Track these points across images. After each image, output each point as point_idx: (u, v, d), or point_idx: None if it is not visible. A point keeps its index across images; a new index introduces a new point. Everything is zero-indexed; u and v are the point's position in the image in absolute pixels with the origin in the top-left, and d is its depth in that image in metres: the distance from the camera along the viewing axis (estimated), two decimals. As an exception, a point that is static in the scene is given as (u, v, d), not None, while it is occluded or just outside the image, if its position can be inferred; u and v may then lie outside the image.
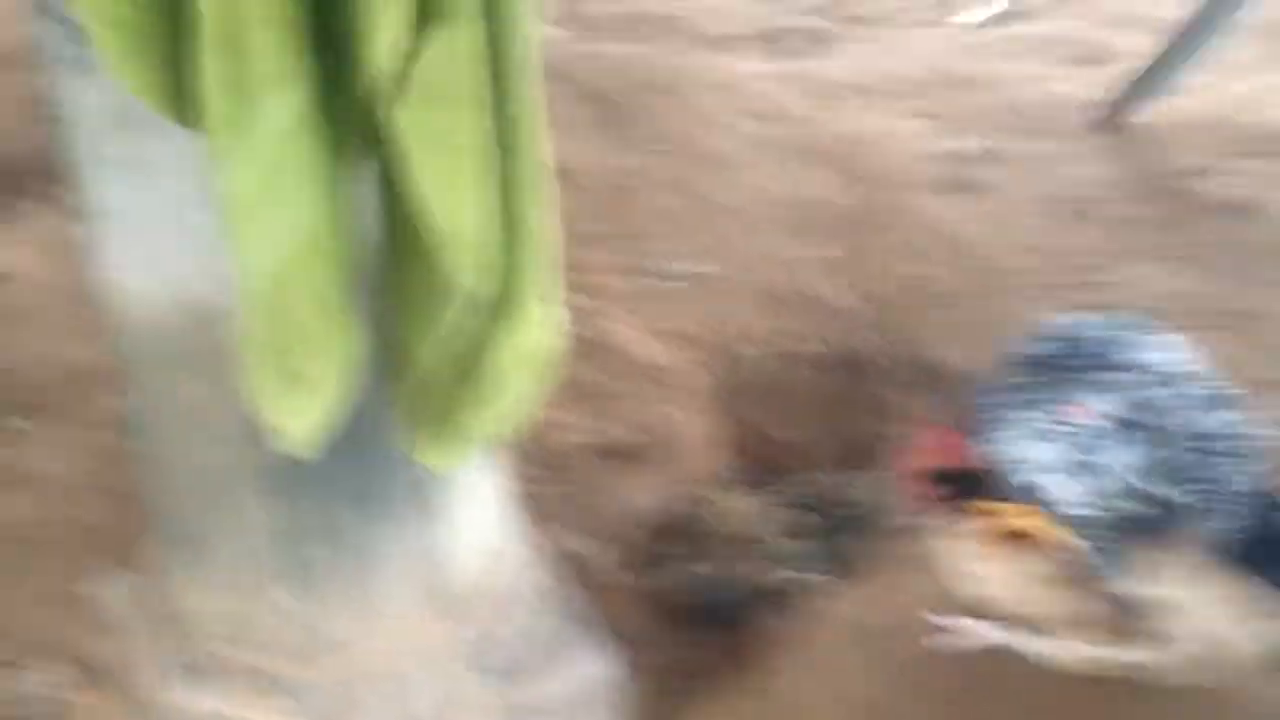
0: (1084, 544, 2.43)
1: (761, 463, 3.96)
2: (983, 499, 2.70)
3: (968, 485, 2.81)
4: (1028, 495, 2.44)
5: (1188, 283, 4.57)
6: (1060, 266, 4.67)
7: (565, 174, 2.11)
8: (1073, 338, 2.46)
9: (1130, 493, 2.30)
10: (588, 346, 4.15)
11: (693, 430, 3.85)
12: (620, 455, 3.73)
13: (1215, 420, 2.26)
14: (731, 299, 4.46)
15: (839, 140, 5.52)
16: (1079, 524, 2.40)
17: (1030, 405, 2.43)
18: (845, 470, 3.91)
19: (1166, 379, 2.30)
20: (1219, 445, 2.25)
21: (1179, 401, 2.27)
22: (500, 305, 1.60)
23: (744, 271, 4.61)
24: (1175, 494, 2.27)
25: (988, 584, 2.73)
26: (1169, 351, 2.37)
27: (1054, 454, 2.38)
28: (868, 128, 5.63)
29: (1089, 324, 2.51)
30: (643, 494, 3.66)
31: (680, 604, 3.37)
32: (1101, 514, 2.37)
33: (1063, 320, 2.57)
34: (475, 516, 2.46)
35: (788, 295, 4.49)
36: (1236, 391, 2.34)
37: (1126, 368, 2.34)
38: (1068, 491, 2.37)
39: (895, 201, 5.10)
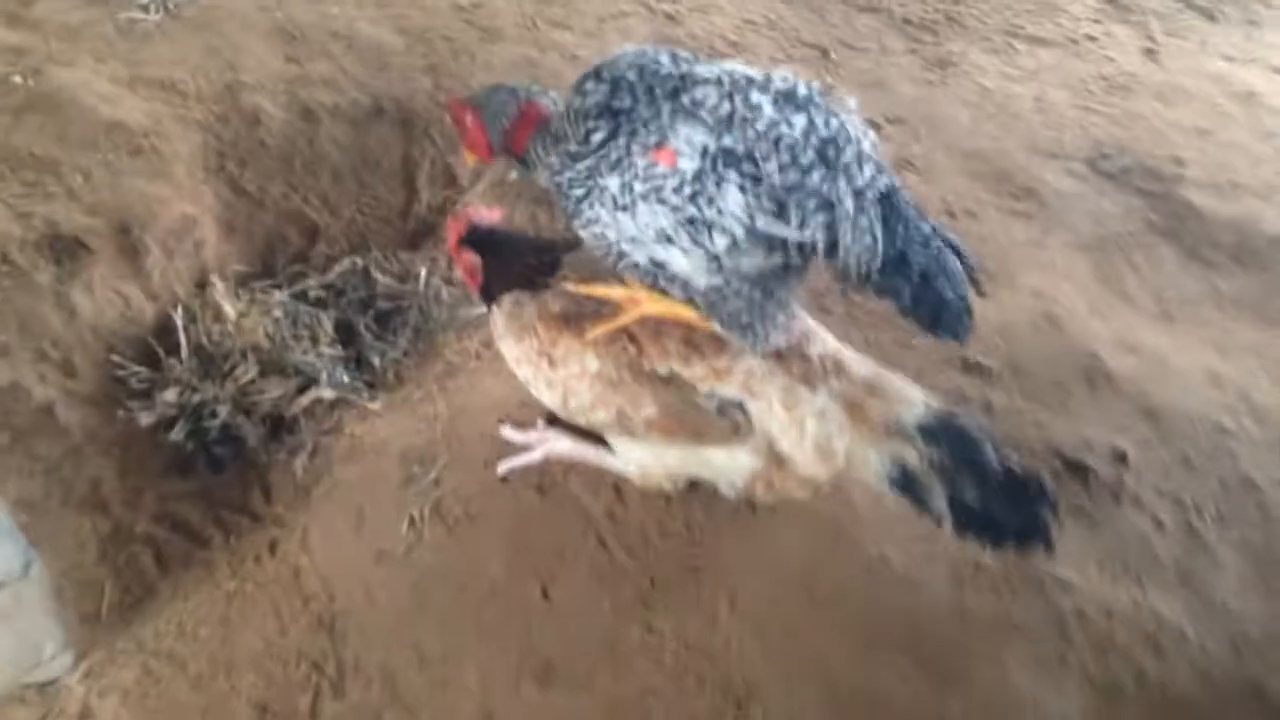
0: (714, 317, 2.02)
1: (276, 249, 3.14)
2: (569, 277, 2.23)
3: (531, 258, 2.24)
4: (644, 275, 1.98)
5: (776, 10, 4.08)
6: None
7: None
8: (635, 71, 1.90)
9: (749, 241, 1.86)
10: (34, 103, 3.08)
11: (177, 211, 2.94)
12: (75, 251, 2.77)
13: (803, 122, 1.82)
14: (234, 35, 3.47)
15: None
16: (705, 299, 1.97)
17: (615, 166, 1.89)
18: (387, 252, 3.19)
19: (740, 87, 1.84)
20: (819, 152, 1.81)
21: (762, 112, 1.82)
22: None
23: (253, 0, 3.60)
24: (793, 230, 1.83)
25: (556, 383, 2.17)
26: (737, 67, 1.92)
27: (652, 218, 1.89)
28: None
29: (645, 55, 1.93)
30: (108, 301, 2.75)
31: (167, 446, 2.58)
32: (724, 283, 1.93)
33: (620, 55, 1.94)
34: None
35: (306, 30, 3.56)
36: (814, 88, 1.89)
37: (701, 86, 1.85)
38: (683, 263, 1.91)
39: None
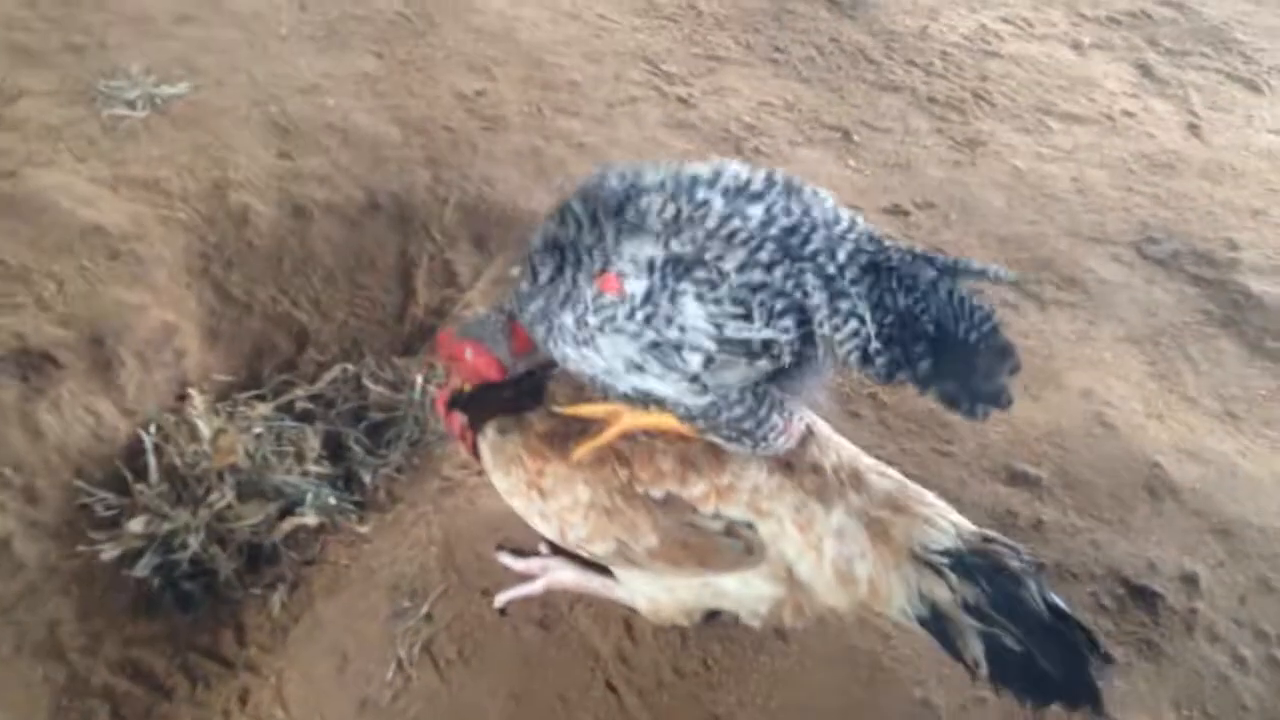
0: (710, 431, 1.80)
1: (263, 356, 2.93)
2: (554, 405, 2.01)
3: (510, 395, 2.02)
4: (636, 403, 1.81)
5: (793, 91, 3.89)
6: (646, 75, 3.84)
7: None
8: (579, 197, 1.72)
9: (724, 352, 1.64)
10: (8, 207, 2.91)
11: (156, 319, 2.74)
12: (42, 366, 2.57)
13: (760, 213, 1.61)
14: (224, 131, 3.30)
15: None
16: (693, 417, 1.77)
17: (565, 301, 1.73)
18: (381, 358, 2.98)
19: (684, 186, 1.64)
20: (780, 244, 1.59)
21: (711, 208, 1.61)
22: None
23: (242, 93, 3.45)
24: (760, 330, 1.60)
25: (550, 515, 1.95)
26: (677, 168, 1.71)
27: (615, 349, 1.70)
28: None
29: (592, 179, 1.75)
30: (78, 420, 2.54)
31: (132, 582, 2.35)
32: (706, 398, 1.72)
33: (575, 186, 1.75)
34: None
35: (301, 123, 3.39)
36: (764, 176, 1.67)
37: (645, 195, 1.65)
38: (665, 389, 1.72)
39: (449, 1, 4.07)
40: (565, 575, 2.25)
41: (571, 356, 1.75)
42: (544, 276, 1.72)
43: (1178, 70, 4.25)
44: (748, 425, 1.77)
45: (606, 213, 1.68)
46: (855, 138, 3.69)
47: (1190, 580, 2.38)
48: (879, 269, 1.59)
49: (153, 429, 2.50)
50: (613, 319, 1.65)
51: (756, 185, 1.65)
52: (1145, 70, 4.23)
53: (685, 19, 4.18)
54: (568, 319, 1.70)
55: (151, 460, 2.45)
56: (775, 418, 1.77)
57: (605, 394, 1.79)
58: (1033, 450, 2.62)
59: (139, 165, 3.14)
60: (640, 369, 1.69)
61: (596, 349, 1.71)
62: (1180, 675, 2.23)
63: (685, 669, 2.20)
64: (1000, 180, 3.56)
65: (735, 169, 1.67)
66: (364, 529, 2.51)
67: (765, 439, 1.79)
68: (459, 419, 2.06)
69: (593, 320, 1.68)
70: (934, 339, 1.54)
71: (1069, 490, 2.54)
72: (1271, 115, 4.04)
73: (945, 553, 1.75)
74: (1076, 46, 4.35)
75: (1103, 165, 3.68)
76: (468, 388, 2.05)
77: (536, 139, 3.51)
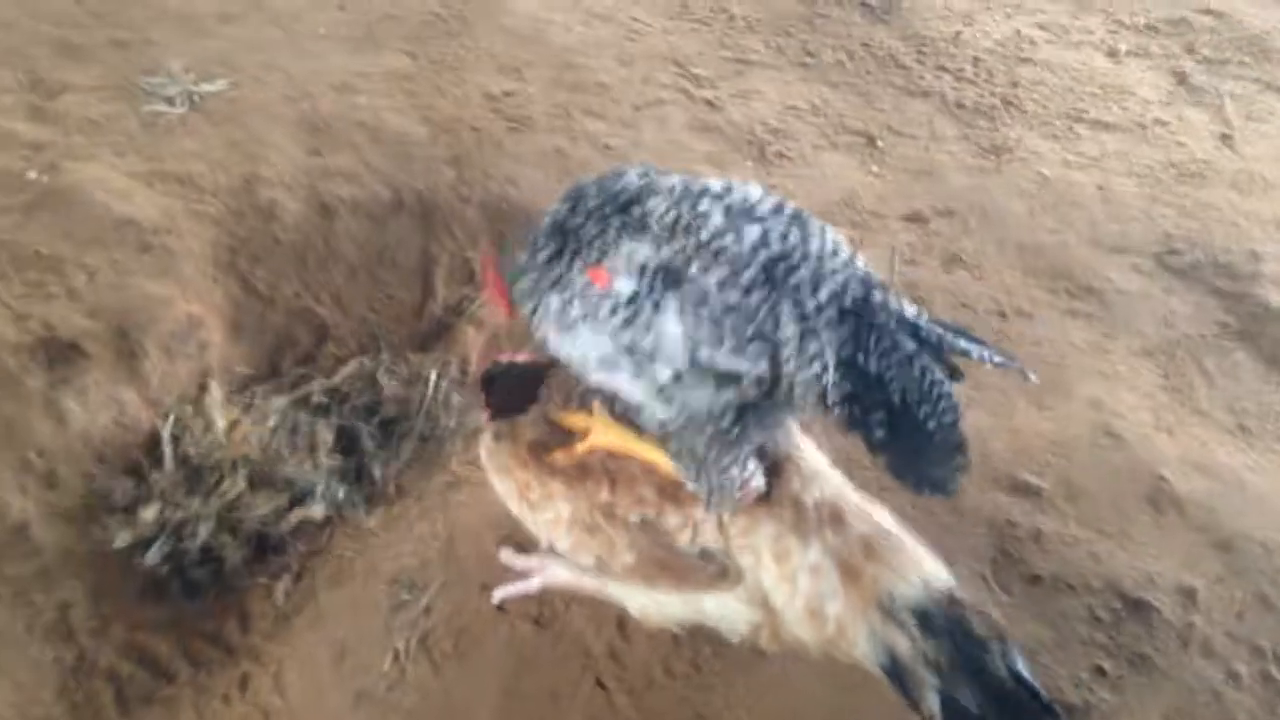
0: (673, 459, 1.86)
1: (284, 349, 3.01)
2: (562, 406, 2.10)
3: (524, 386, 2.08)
4: (605, 402, 1.93)
5: (821, 95, 3.90)
6: (675, 77, 3.87)
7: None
8: (595, 188, 1.77)
9: (693, 374, 1.68)
10: (46, 200, 3.01)
11: (182, 312, 2.83)
12: (70, 355, 2.66)
13: (755, 235, 1.63)
14: (257, 128, 3.38)
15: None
16: (665, 433, 1.81)
17: (556, 284, 1.78)
18: (397, 353, 3.04)
19: (690, 194, 1.68)
20: (765, 269, 1.61)
21: (709, 220, 1.64)
22: None
23: (277, 90, 3.53)
24: (730, 359, 1.63)
25: (539, 526, 2.01)
26: (688, 180, 1.75)
27: (595, 341, 1.75)
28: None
29: (612, 172, 1.80)
30: (102, 408, 2.63)
31: (143, 568, 2.43)
32: (676, 416, 1.75)
33: (586, 178, 1.80)
34: None
35: (333, 121, 3.47)
36: (775, 203, 1.69)
37: (654, 197, 1.69)
38: (634, 392, 1.76)
39: (481, 1, 4.12)
40: (562, 574, 2.29)
41: (552, 340, 1.80)
42: (543, 256, 1.76)
43: (1215, 79, 4.19)
44: (697, 470, 1.79)
45: (614, 208, 1.72)
46: (880, 143, 3.70)
47: (1188, 594, 2.37)
48: (860, 322, 1.59)
49: (171, 419, 2.58)
50: (596, 312, 1.69)
51: (762, 210, 1.67)
52: (1181, 78, 4.18)
53: (717, 22, 4.21)
54: (554, 301, 1.75)
55: (167, 450, 2.53)
56: (734, 470, 1.79)
57: (582, 385, 1.83)
58: (1036, 460, 2.62)
59: (174, 160, 3.22)
60: (613, 367, 1.73)
61: (575, 337, 1.75)
62: (1172, 689, 2.23)
63: (676, 670, 2.24)
64: (1024, 187, 3.55)
65: (750, 191, 1.70)
66: (371, 522, 2.57)
67: (721, 488, 1.81)
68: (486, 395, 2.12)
69: (577, 308, 1.72)
70: (893, 412, 1.55)
71: (1071, 501, 2.54)
72: (1307, 125, 3.98)
73: (911, 608, 1.76)
74: (1113, 54, 4.30)
75: (1130, 174, 3.64)
76: (502, 361, 2.10)
77: (562, 140, 3.55)
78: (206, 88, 3.47)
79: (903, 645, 1.74)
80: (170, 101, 3.41)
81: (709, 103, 3.76)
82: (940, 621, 1.73)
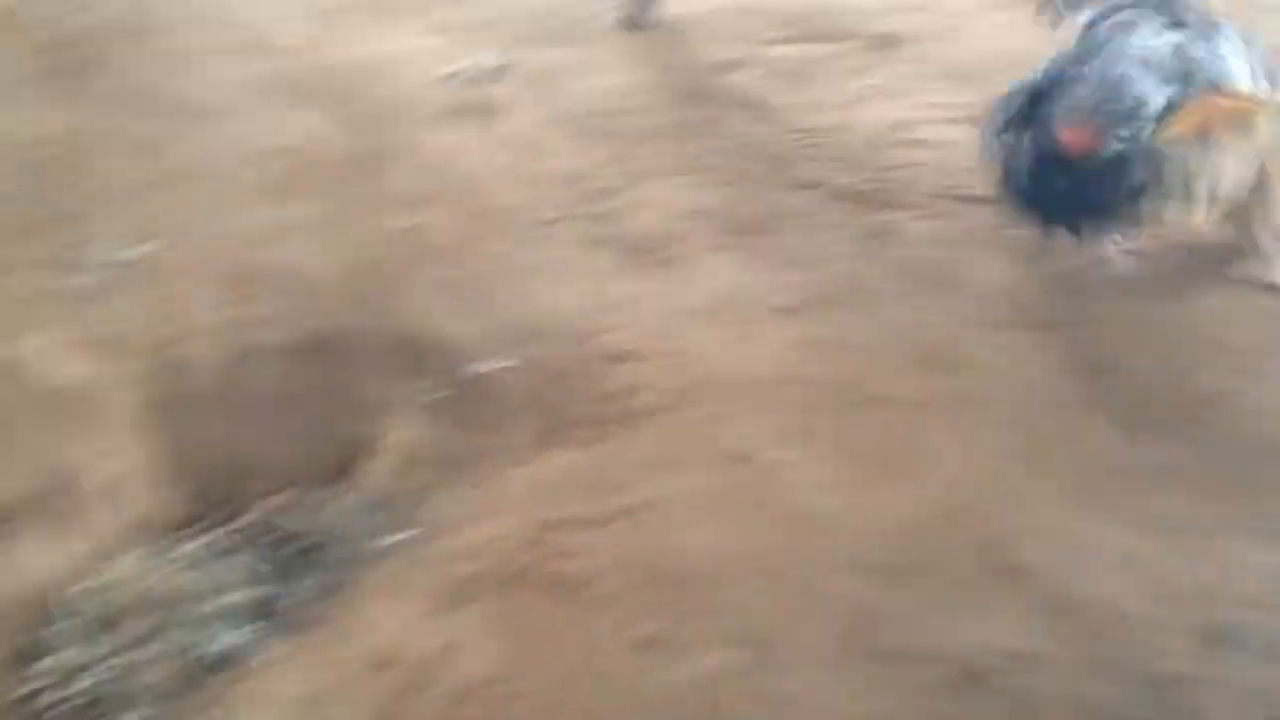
0: None
1: (207, 494, 3.26)
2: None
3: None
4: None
5: (708, 198, 4.15)
6: (572, 195, 4.14)
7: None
8: None
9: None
10: (-20, 375, 3.30)
11: (106, 469, 3.09)
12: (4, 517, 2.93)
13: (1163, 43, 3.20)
14: (182, 286, 3.69)
15: (339, 71, 4.79)
16: None
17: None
18: (317, 488, 3.28)
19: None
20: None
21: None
22: None
23: (201, 249, 3.84)
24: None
25: None
26: None
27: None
28: (372, 51, 4.90)
29: None
30: (32, 569, 2.89)
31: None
32: None
33: None
34: None
35: (253, 272, 3.76)
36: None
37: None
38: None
39: (396, 138, 4.45)
40: None
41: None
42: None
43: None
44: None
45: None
46: (763, 236, 3.93)
47: (1024, 659, 2.52)
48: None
49: (84, 576, 2.83)
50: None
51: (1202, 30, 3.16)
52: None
53: (616, 137, 4.48)
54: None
55: (73, 602, 2.77)
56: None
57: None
58: (886, 541, 2.80)
59: (101, 325, 3.52)
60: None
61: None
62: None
63: None
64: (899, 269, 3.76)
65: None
66: (276, 654, 2.79)
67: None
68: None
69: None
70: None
71: (914, 577, 2.71)
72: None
73: None
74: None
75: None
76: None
77: (463, 266, 3.82)
78: (132, 253, 3.77)
79: None
80: (98, 270, 3.71)
81: (602, 216, 4.02)
82: None
